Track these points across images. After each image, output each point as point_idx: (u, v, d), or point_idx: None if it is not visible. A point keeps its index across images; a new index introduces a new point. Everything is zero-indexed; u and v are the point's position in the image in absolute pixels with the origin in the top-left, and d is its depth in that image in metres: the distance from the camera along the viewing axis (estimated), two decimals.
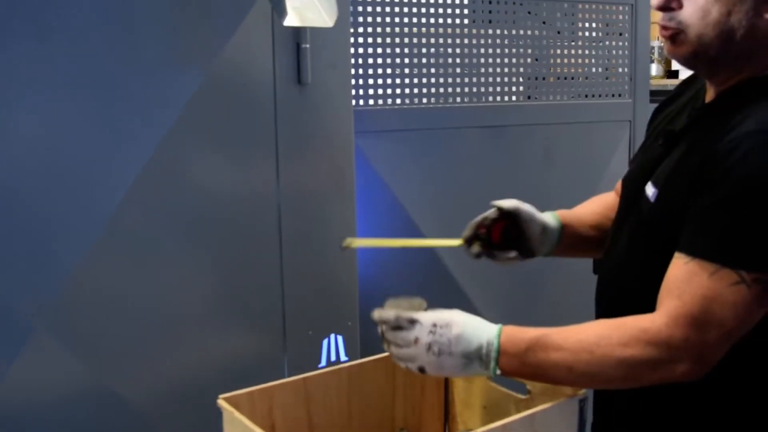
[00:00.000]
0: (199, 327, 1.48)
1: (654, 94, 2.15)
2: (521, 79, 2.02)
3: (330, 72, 1.57)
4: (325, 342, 1.62)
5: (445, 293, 1.89)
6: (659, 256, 0.95)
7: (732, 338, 0.89)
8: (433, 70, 1.87)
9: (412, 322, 0.96)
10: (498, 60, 1.96)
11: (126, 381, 1.41)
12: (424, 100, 1.87)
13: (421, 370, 0.96)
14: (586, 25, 2.12)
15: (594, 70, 2.14)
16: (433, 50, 1.86)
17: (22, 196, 1.30)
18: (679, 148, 0.99)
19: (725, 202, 0.88)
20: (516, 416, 0.95)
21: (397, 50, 1.82)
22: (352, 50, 1.70)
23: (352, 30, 1.70)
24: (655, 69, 3.60)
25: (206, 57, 1.43)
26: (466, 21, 1.92)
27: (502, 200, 1.19)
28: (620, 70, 2.19)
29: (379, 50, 1.80)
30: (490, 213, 1.19)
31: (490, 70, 1.96)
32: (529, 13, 2.00)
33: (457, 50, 1.90)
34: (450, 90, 1.90)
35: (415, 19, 1.83)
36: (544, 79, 2.06)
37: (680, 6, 0.94)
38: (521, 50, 2.00)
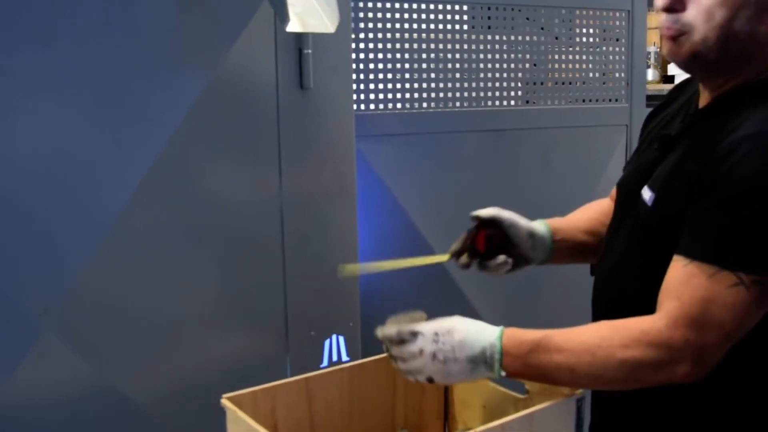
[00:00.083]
0: (202, 328, 1.49)
1: (650, 98, 2.17)
2: (520, 84, 2.03)
3: (332, 77, 1.58)
4: (327, 342, 1.62)
5: (445, 294, 1.90)
6: (657, 259, 0.95)
7: (732, 339, 0.90)
8: (433, 75, 1.88)
9: (414, 334, 0.97)
10: (497, 65, 1.98)
11: (131, 381, 1.41)
12: (425, 105, 1.88)
13: (430, 380, 0.97)
14: (584, 31, 2.13)
15: (591, 75, 2.15)
16: (433, 55, 1.88)
17: (28, 199, 1.31)
18: (674, 153, 1.00)
19: (723, 204, 0.88)
20: (514, 416, 0.95)
21: (398, 55, 1.83)
22: (354, 55, 1.71)
23: (353, 35, 1.71)
24: (651, 74, 3.62)
25: (210, 62, 1.44)
26: (465, 27, 1.93)
27: (481, 210, 1.19)
28: (617, 75, 2.20)
29: (380, 55, 1.81)
30: (471, 223, 1.20)
31: (489, 75, 1.97)
32: (527, 19, 2.02)
33: (457, 55, 1.91)
34: (450, 95, 1.91)
35: (415, 25, 1.84)
36: (542, 84, 2.07)
37: (684, 8, 0.94)
38: (520, 56, 2.01)
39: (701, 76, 1.02)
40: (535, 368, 0.95)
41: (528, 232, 1.20)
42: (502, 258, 1.18)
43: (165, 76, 1.40)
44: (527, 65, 2.03)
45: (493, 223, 1.19)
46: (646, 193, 1.01)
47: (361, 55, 1.79)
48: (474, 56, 1.94)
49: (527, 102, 2.06)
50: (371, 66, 1.81)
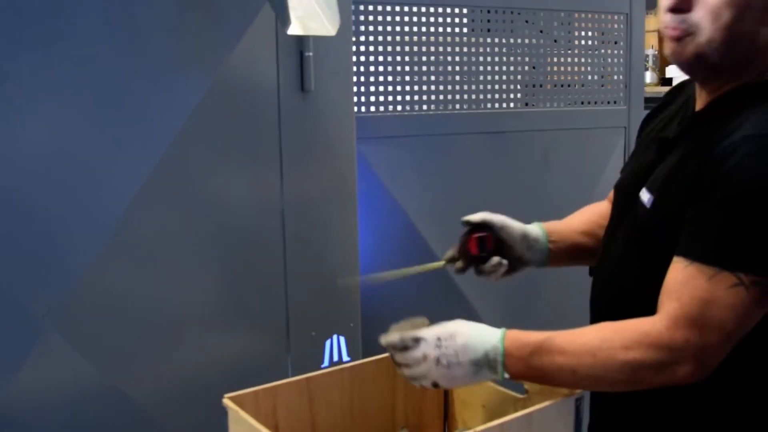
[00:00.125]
0: (204, 328, 1.49)
1: (648, 101, 2.17)
2: (519, 87, 2.04)
3: (332, 79, 1.59)
4: (328, 343, 1.63)
5: (445, 294, 1.90)
6: (655, 260, 0.95)
7: (732, 340, 0.90)
8: (433, 78, 1.89)
9: (417, 340, 0.97)
10: (496, 68, 1.99)
11: (133, 381, 1.42)
12: (425, 107, 1.89)
13: (435, 385, 0.97)
14: (582, 34, 2.14)
15: (590, 77, 2.16)
16: (433, 58, 1.89)
17: (32, 200, 1.31)
18: (672, 155, 1.00)
19: (723, 205, 0.89)
20: (513, 415, 0.96)
21: (398, 58, 1.84)
22: (354, 58, 1.72)
23: (354, 38, 1.72)
24: (649, 77, 3.63)
25: (211, 64, 1.45)
26: (465, 30, 1.94)
27: (471, 215, 1.20)
28: (615, 77, 2.21)
29: (381, 58, 1.82)
30: (464, 229, 1.21)
31: (489, 77, 1.98)
32: (526, 22, 2.03)
33: (457, 58, 1.92)
34: (450, 97, 1.92)
35: (415, 28, 1.85)
36: (541, 86, 2.08)
37: (690, 8, 0.94)
38: (519, 58, 2.02)
39: (702, 77, 1.01)
40: (537, 370, 0.95)
41: (521, 233, 1.21)
42: (496, 259, 1.19)
43: (167, 79, 1.41)
44: (526, 68, 2.04)
45: (484, 226, 1.20)
46: (645, 195, 1.01)
47: (362, 58, 1.80)
48: (474, 59, 1.95)
49: (526, 104, 2.06)
50: (372, 68, 1.81)
